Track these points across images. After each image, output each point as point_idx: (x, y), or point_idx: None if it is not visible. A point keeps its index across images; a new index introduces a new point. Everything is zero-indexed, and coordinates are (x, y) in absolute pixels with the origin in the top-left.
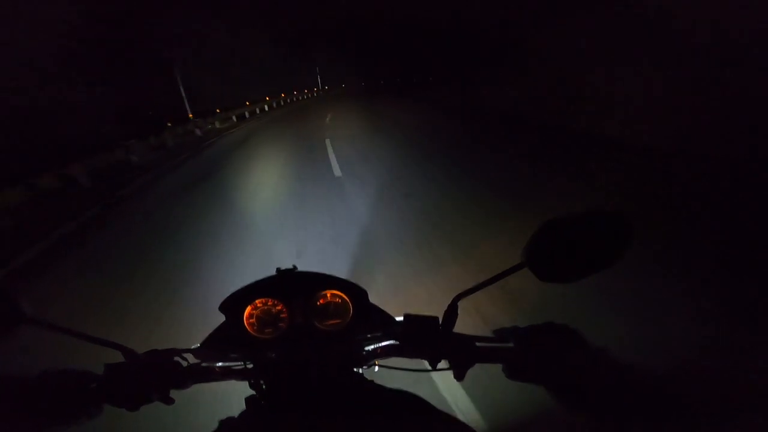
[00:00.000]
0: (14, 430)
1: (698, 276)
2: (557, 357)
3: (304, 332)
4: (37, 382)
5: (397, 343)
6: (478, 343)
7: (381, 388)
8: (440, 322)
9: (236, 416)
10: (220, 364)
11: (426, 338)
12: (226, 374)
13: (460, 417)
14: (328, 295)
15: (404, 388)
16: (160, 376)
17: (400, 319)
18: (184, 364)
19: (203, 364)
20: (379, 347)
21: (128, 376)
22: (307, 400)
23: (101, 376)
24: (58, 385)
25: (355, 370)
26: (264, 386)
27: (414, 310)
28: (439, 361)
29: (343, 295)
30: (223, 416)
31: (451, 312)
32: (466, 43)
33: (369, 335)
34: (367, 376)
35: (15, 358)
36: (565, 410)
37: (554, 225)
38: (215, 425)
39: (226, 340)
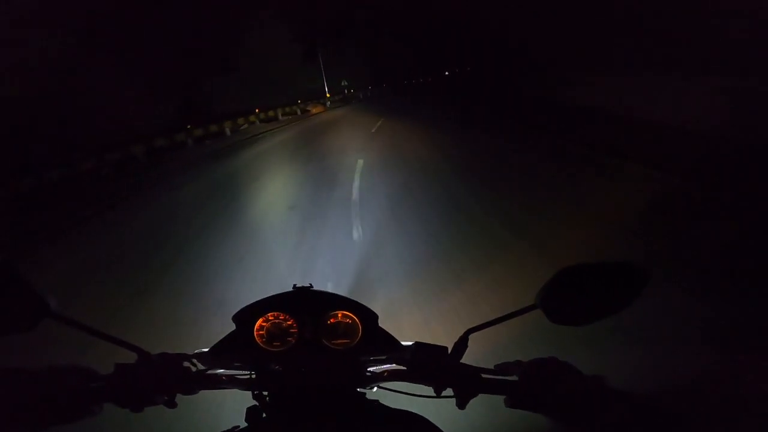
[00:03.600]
0: (12, 422)
1: None
2: (559, 388)
3: (312, 348)
4: (42, 377)
5: (404, 368)
6: (483, 375)
7: (386, 408)
8: (449, 351)
9: (239, 427)
10: (225, 371)
11: (434, 366)
12: (231, 383)
13: None
14: (339, 315)
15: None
16: (169, 379)
17: (406, 344)
18: (193, 369)
19: (209, 372)
20: (385, 370)
21: (137, 377)
22: (308, 414)
23: (108, 375)
24: (61, 380)
25: (358, 390)
26: (267, 398)
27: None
28: (444, 389)
29: (354, 317)
30: (225, 426)
31: (461, 344)
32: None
33: (373, 357)
34: (369, 397)
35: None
36: None
37: (569, 272)
38: None
39: (233, 349)
